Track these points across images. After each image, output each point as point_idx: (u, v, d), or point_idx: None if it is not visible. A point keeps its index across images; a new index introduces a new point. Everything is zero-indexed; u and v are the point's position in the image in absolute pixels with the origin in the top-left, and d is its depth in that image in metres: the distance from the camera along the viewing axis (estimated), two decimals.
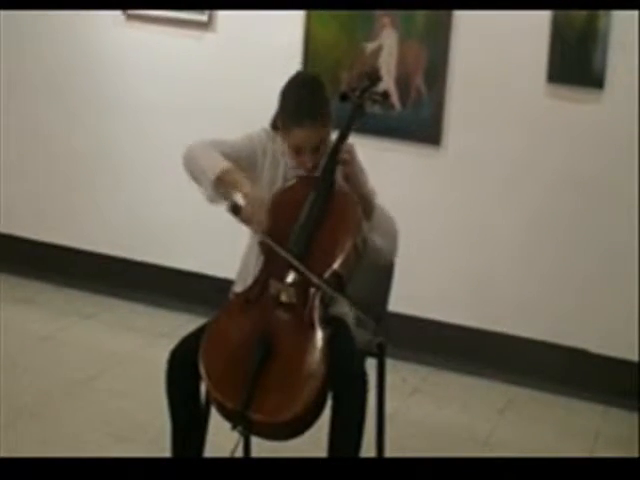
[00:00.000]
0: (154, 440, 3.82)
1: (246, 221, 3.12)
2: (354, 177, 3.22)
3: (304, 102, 3.23)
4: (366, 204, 3.24)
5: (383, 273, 3.65)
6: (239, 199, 3.15)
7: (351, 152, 3.22)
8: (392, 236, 3.32)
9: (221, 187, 3.17)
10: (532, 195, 4.63)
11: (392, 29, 4.68)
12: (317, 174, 3.27)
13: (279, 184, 3.32)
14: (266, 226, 3.13)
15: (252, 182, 3.24)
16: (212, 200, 3.22)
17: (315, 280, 3.11)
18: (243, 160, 3.29)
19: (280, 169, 3.35)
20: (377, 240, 3.26)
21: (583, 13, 4.38)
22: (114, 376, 4.48)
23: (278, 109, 3.30)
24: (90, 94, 5.30)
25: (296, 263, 3.12)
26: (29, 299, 5.23)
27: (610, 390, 4.53)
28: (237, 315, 3.20)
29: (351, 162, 3.21)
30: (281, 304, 3.15)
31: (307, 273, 3.11)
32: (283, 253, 3.12)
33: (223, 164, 3.18)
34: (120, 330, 4.98)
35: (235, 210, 3.11)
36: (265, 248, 3.21)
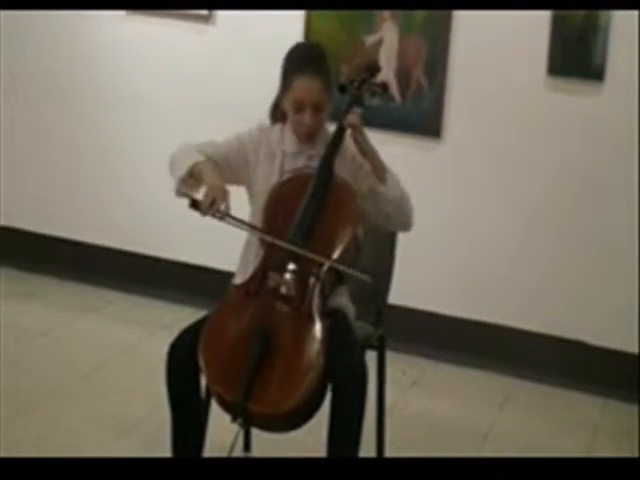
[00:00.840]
0: (154, 433, 3.82)
1: (205, 212, 3.11)
2: (362, 140, 3.26)
3: (305, 55, 3.35)
4: (378, 165, 3.29)
5: (384, 265, 3.66)
6: (199, 195, 3.17)
7: (357, 117, 3.26)
8: (407, 197, 3.33)
9: (190, 180, 3.24)
10: (532, 187, 4.63)
11: (392, 22, 4.69)
12: (315, 165, 3.29)
13: (274, 179, 3.34)
14: (226, 213, 3.11)
15: (237, 181, 3.33)
16: (178, 194, 3.30)
17: (318, 259, 3.12)
18: (232, 160, 3.34)
19: (276, 162, 3.36)
20: (398, 199, 3.28)
21: None
22: (115, 369, 4.49)
23: (281, 71, 3.35)
24: (90, 87, 5.30)
25: (297, 249, 3.12)
26: (30, 293, 5.23)
27: (609, 382, 4.53)
28: (236, 307, 3.21)
29: (357, 125, 3.24)
30: (280, 296, 3.16)
31: (310, 255, 3.11)
32: (283, 244, 3.13)
33: (196, 158, 3.23)
34: (121, 323, 4.99)
35: (194, 205, 3.11)
36: (265, 241, 3.22)
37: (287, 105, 3.32)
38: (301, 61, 3.31)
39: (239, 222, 3.15)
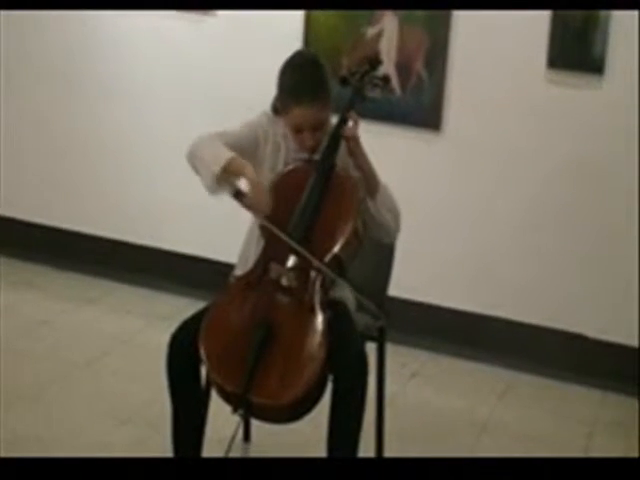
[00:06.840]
0: (155, 423, 3.84)
1: (249, 207, 3.14)
2: (359, 152, 3.23)
3: (303, 81, 3.23)
4: (371, 180, 3.25)
5: (384, 257, 3.67)
6: (242, 185, 3.16)
7: (355, 127, 3.22)
8: (396, 213, 3.32)
9: (227, 176, 3.16)
10: (531, 180, 4.64)
11: (393, 14, 4.68)
12: (317, 157, 3.28)
13: (280, 169, 3.33)
14: (269, 212, 3.15)
15: (255, 169, 3.27)
16: (213, 191, 3.21)
17: (316, 263, 3.12)
18: (245, 149, 3.29)
19: (281, 153, 3.36)
20: (384, 216, 3.27)
21: None
22: (115, 359, 4.50)
23: (277, 90, 3.30)
24: (91, 78, 5.30)
25: (296, 246, 3.13)
26: (29, 282, 5.24)
27: (608, 375, 4.55)
28: (238, 298, 3.21)
29: (355, 137, 3.21)
30: (281, 288, 3.16)
31: (307, 256, 3.12)
32: (283, 236, 3.13)
33: (227, 154, 3.17)
34: (121, 313, 4.99)
35: (238, 196, 3.13)
36: (266, 232, 3.22)
37: (286, 124, 3.27)
38: (297, 87, 3.22)
39: (270, 224, 3.16)
